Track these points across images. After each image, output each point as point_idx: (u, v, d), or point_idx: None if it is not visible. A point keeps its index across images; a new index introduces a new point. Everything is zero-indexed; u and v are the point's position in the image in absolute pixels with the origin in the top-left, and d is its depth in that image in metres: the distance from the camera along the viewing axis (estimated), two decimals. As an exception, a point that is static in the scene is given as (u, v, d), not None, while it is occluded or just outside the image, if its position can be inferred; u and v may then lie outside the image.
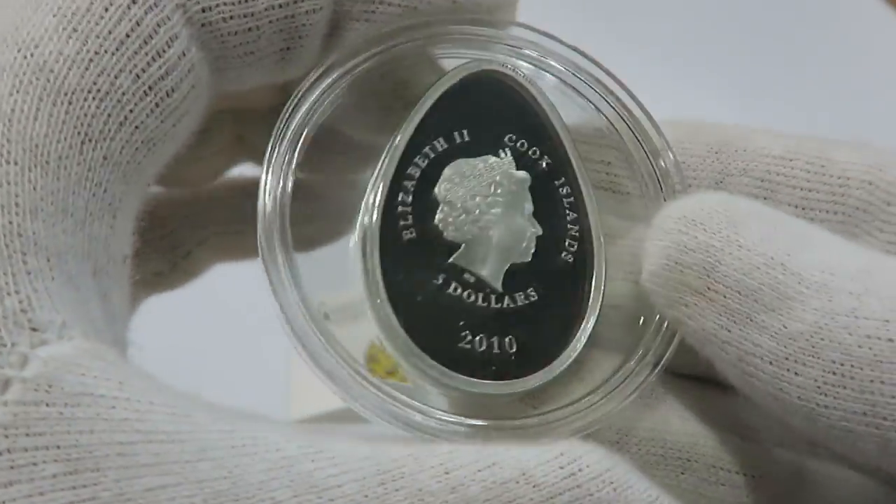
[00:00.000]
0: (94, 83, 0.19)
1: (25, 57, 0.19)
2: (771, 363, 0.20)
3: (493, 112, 0.24)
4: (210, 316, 0.53)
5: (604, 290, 0.23)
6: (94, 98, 0.19)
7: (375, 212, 0.23)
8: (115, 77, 0.19)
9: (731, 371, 0.21)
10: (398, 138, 0.23)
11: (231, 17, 0.21)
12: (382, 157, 0.23)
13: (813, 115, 0.66)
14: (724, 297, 0.20)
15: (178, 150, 0.22)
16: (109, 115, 0.19)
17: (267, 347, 0.59)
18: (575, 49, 0.25)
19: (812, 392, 0.20)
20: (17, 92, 0.18)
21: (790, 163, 0.23)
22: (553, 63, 0.25)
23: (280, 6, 0.21)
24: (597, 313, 0.23)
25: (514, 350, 0.23)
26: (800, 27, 0.70)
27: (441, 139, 0.23)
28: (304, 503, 0.16)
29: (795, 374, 0.20)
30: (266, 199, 0.22)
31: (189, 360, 0.53)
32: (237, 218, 0.28)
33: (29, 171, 0.18)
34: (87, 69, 0.19)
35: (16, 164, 0.18)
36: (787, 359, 0.20)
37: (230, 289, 0.49)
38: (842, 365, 0.19)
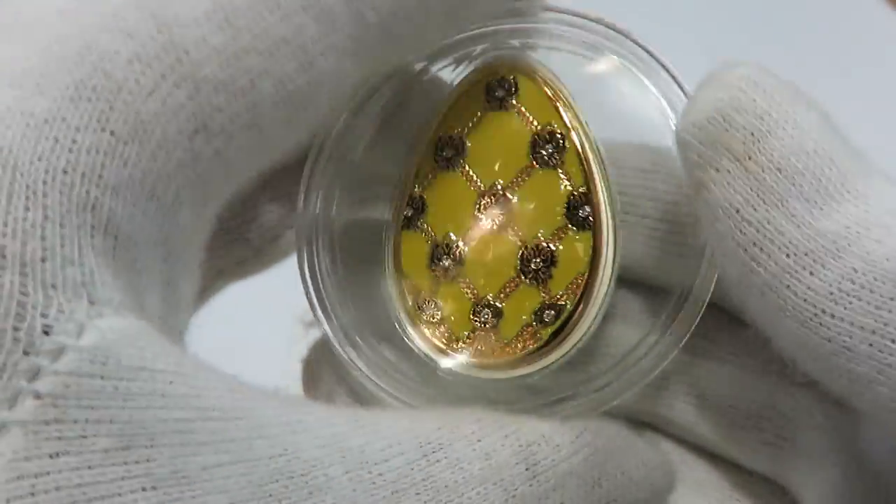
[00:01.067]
0: (232, 78, 0.18)
1: (161, 31, 0.17)
2: (788, 255, 0.19)
3: None
4: (208, 315, 0.53)
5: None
6: (225, 93, 0.18)
7: None
8: (258, 79, 0.18)
9: (737, 257, 0.19)
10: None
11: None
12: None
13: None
14: (763, 171, 0.19)
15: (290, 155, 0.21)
16: (237, 115, 0.18)
17: (266, 346, 0.59)
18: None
19: (822, 297, 0.18)
20: (139, 62, 0.17)
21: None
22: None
23: None
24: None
25: None
26: (799, 27, 0.70)
27: None
28: (355, 479, 0.17)
29: (811, 273, 0.18)
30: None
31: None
32: None
33: (124, 146, 0.17)
34: (228, 64, 0.18)
35: (112, 134, 0.17)
36: (806, 254, 0.18)
37: (229, 287, 0.49)
38: (863, 275, 0.18)
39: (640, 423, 0.25)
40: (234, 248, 0.25)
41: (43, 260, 0.16)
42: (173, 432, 0.16)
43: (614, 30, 0.24)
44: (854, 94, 0.69)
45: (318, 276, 0.24)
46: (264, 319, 0.56)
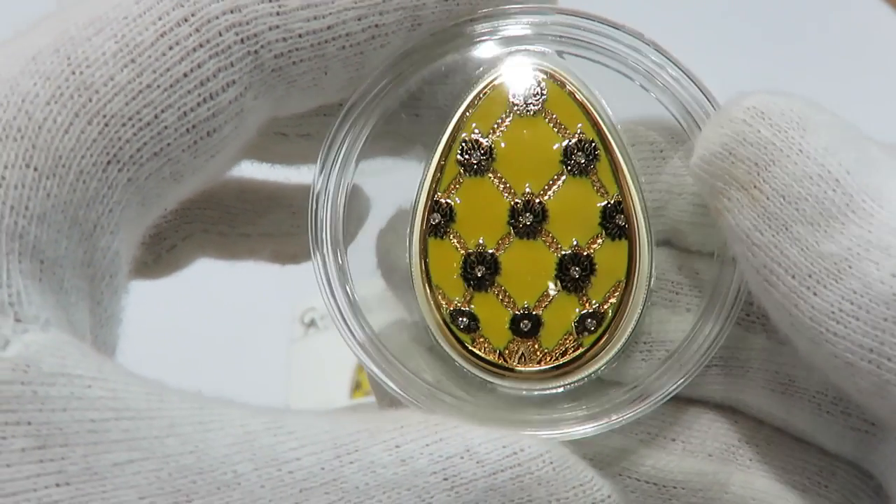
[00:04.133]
0: (137, 113, 0.20)
1: (74, 73, 0.19)
2: (793, 277, 0.20)
3: None
4: (209, 315, 0.53)
5: None
6: (132, 126, 0.20)
7: None
8: (161, 111, 0.20)
9: (753, 277, 0.21)
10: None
11: (302, 61, 0.21)
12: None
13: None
14: (767, 198, 0.20)
15: (206, 181, 0.22)
16: (145, 144, 0.20)
17: (266, 346, 0.59)
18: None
19: (824, 316, 0.19)
20: (56, 103, 0.19)
21: None
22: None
23: (352, 46, 0.22)
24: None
25: None
26: (799, 27, 0.70)
27: None
28: (264, 475, 0.18)
29: (814, 293, 0.20)
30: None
31: (188, 358, 0.53)
32: (224, 219, 0.28)
33: (46, 180, 0.19)
34: (133, 99, 0.20)
35: (35, 170, 0.19)
36: (809, 276, 0.20)
37: (229, 287, 0.49)
38: (861, 296, 0.19)
39: (718, 406, 0.25)
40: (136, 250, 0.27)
41: None
42: (87, 432, 0.17)
43: (636, 36, 0.24)
44: (854, 94, 0.69)
45: (338, 287, 0.25)
46: (264, 319, 0.56)
